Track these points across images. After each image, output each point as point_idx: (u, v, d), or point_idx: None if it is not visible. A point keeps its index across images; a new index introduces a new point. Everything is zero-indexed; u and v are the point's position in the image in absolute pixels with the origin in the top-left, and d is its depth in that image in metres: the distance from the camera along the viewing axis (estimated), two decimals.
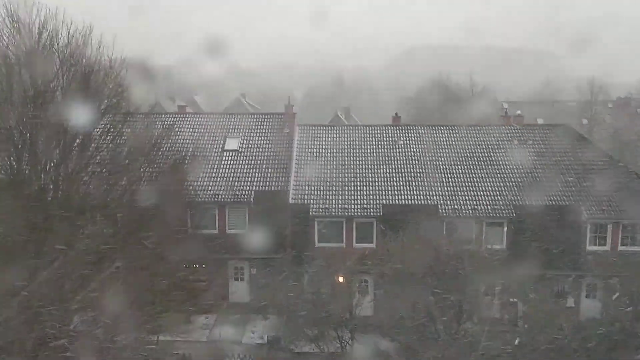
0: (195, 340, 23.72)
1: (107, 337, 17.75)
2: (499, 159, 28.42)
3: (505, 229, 25.68)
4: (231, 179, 27.21)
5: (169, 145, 23.45)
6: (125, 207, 18.80)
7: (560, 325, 20.77)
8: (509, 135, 29.98)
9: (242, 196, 26.39)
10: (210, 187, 26.73)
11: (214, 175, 27.32)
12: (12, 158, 16.98)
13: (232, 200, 26.31)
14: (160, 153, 21.32)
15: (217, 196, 26.38)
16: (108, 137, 18.58)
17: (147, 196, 19.61)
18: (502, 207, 25.85)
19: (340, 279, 23.87)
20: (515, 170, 27.66)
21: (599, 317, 23.98)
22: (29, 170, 16.81)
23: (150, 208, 19.03)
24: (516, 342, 20.04)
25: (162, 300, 19.26)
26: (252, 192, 26.56)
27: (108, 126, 18.73)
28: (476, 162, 28.12)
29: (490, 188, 26.81)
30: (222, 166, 27.81)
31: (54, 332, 16.01)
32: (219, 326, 25.30)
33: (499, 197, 26.32)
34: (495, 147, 29.10)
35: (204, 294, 24.14)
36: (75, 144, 17.58)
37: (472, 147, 29.05)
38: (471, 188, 26.78)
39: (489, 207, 25.88)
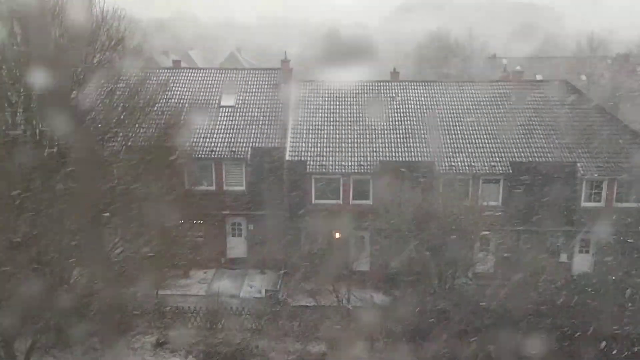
0: (193, 294, 24.12)
1: (107, 290, 18.01)
2: (497, 115, 28.29)
3: (501, 185, 25.80)
4: (228, 135, 27.05)
5: (164, 100, 23.22)
6: (121, 163, 18.73)
7: (553, 280, 21.14)
8: (507, 91, 29.74)
9: (239, 152, 26.29)
10: (206, 143, 26.59)
11: (210, 131, 27.14)
12: (7, 114, 16.79)
13: (228, 156, 26.22)
14: (155, 108, 21.13)
15: (213, 152, 26.29)
16: (102, 91, 18.35)
17: (144, 151, 19.55)
18: (499, 164, 25.90)
19: (337, 235, 24.12)
20: (513, 127, 27.57)
21: (591, 272, 24.45)
22: (24, 125, 16.66)
23: (147, 163, 18.99)
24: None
25: (161, 255, 19.45)
26: (249, 148, 26.46)
27: (102, 80, 18.49)
28: (474, 119, 27.98)
29: (487, 145, 26.78)
30: (218, 122, 27.60)
31: (53, 286, 16.23)
32: (217, 280, 25.67)
33: (496, 154, 26.33)
34: (494, 103, 28.92)
35: (202, 250, 24.40)
36: (70, 99, 17.36)
37: (470, 103, 28.85)
38: (468, 145, 26.74)
39: (486, 164, 25.92)
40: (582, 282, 22.05)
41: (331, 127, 27.52)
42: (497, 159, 26.11)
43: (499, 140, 26.94)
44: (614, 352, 18.66)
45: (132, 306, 20.47)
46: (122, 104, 18.93)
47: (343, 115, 28.13)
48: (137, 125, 19.73)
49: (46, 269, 15.96)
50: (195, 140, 26.24)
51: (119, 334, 20.14)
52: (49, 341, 18.51)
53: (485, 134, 27.27)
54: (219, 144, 26.64)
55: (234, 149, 26.41)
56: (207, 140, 26.75)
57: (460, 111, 28.42)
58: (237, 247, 27.30)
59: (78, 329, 18.87)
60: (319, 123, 27.71)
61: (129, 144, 19.64)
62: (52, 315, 16.74)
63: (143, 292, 20.70)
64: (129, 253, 18.21)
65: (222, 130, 27.24)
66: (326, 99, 28.98)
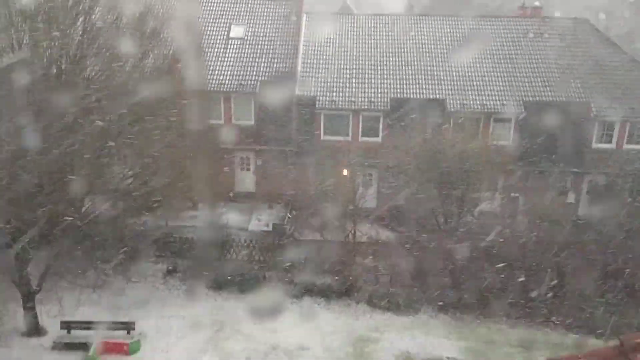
0: (202, 226, 24.45)
1: (118, 219, 18.36)
2: (513, 52, 27.55)
3: (513, 125, 25.50)
4: (237, 67, 26.61)
5: (171, 31, 22.69)
6: (129, 93, 18.56)
7: (559, 220, 21.26)
8: (525, 28, 28.81)
9: (248, 86, 25.96)
10: (215, 76, 26.22)
11: (219, 63, 26.69)
12: (13, 42, 16.52)
13: (237, 89, 25.91)
14: (162, 38, 20.71)
15: (222, 85, 25.97)
16: (108, 19, 17.94)
17: (151, 82, 19.32)
18: (512, 103, 25.47)
19: (345, 172, 24.16)
20: (528, 65, 26.93)
21: (598, 213, 24.47)
22: (31, 52, 16.41)
23: (154, 95, 18.81)
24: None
25: (170, 187, 19.63)
26: (258, 82, 26.09)
27: (107, 9, 18.05)
28: (489, 56, 27.30)
29: (500, 83, 26.25)
30: (227, 54, 27.09)
31: (66, 212, 16.51)
32: (226, 214, 25.96)
33: (509, 93, 25.85)
34: (510, 40, 28.11)
35: (210, 183, 24.55)
36: (77, 26, 17.02)
37: (486, 39, 28.03)
38: (481, 83, 26.22)
39: (498, 103, 25.51)
40: (585, 223, 22.23)
41: (342, 62, 26.97)
42: (510, 98, 25.66)
43: (512, 79, 26.39)
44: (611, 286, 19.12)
45: (142, 235, 20.92)
46: (128, 33, 18.54)
47: (355, 50, 27.49)
48: (144, 54, 19.41)
49: (59, 197, 16.16)
50: (203, 72, 25.85)
51: (130, 261, 20.66)
52: (63, 267, 19.02)
53: (499, 72, 26.68)
54: (227, 77, 26.27)
55: (242, 83, 26.06)
56: (216, 73, 26.36)
57: (474, 48, 27.63)
58: (245, 181, 27.47)
59: (90, 256, 19.40)
60: (330, 57, 27.14)
61: (136, 74, 19.41)
62: (65, 242, 17.13)
63: (153, 222, 21.12)
64: (139, 184, 18.38)
65: (231, 63, 26.79)
66: (338, 32, 28.25)
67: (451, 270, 20.37)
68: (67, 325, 17.87)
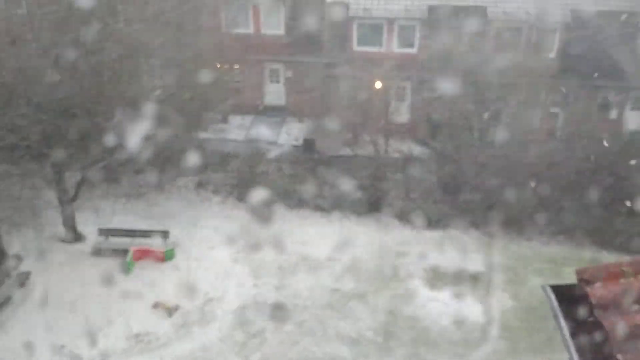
0: (232, 139, 24.42)
1: (148, 132, 18.29)
2: None
3: (558, 35, 23.97)
4: None
5: None
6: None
7: (600, 137, 20.45)
8: None
9: None
10: None
11: None
12: None
13: None
14: None
15: None
16: None
17: None
18: (557, 11, 23.80)
19: (378, 85, 23.40)
20: None
21: None
22: None
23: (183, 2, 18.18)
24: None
25: (199, 99, 19.39)
26: None
27: None
28: None
29: None
30: None
31: (96, 124, 16.53)
32: (255, 126, 25.78)
33: (557, 1, 24.08)
34: None
35: (239, 95, 24.22)
36: None
37: None
38: None
39: (543, 11, 23.85)
40: (629, 140, 21.36)
41: None
42: (557, 4, 23.93)
43: None
44: None
45: (173, 147, 20.93)
46: None
47: None
48: None
49: (91, 107, 16.12)
50: None
51: (163, 172, 20.87)
52: (98, 176, 19.34)
53: None
54: None
55: None
56: None
57: None
58: (275, 94, 26.94)
59: (123, 167, 19.61)
60: None
61: None
62: (100, 152, 17.28)
63: (183, 134, 21.06)
64: (168, 95, 18.15)
65: None
66: None
67: (484, 186, 19.98)
68: (105, 232, 18.44)
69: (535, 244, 19.63)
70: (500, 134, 21.14)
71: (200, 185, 21.97)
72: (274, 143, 24.56)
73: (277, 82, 26.81)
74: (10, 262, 17.08)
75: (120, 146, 17.86)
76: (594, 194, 19.28)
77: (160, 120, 18.51)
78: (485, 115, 20.47)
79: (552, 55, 23.81)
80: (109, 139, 17.09)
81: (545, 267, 18.44)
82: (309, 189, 21.44)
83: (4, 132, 14.91)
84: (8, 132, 14.95)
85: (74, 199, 18.35)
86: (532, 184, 19.67)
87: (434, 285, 17.55)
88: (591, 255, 18.94)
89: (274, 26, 25.32)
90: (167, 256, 17.97)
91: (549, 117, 24.19)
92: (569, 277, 15.01)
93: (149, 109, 17.78)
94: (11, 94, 15.22)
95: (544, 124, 23.51)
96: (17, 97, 15.24)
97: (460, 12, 23.43)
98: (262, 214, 20.65)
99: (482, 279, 17.82)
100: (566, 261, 18.63)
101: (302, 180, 21.92)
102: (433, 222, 20.17)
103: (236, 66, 24.16)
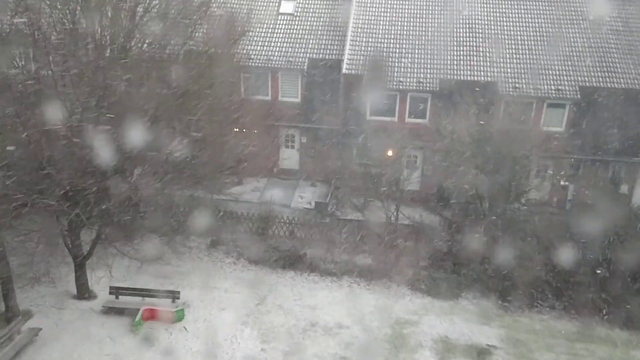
0: (246, 200, 24.83)
1: (166, 191, 18.78)
2: (570, 35, 26.40)
3: (567, 111, 24.61)
4: (285, 44, 26.53)
5: (219, 4, 22.72)
6: (179, 65, 18.82)
7: (610, 211, 20.55)
8: (584, 9, 27.53)
9: (296, 63, 25.88)
10: (263, 52, 26.23)
11: (267, 39, 26.66)
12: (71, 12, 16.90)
13: (285, 66, 25.88)
14: (210, 12, 20.83)
15: (270, 61, 25.97)
16: None
17: (201, 56, 19.51)
18: (567, 88, 24.54)
19: (390, 153, 23.95)
20: (587, 48, 25.78)
21: None
22: (85, 22, 16.75)
23: (204, 68, 19.02)
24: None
25: (216, 162, 19.93)
26: (306, 58, 25.98)
27: None
28: (544, 38, 26.27)
29: (556, 67, 25.25)
30: (276, 30, 27.01)
31: (116, 183, 17.02)
32: (269, 189, 26.26)
33: (565, 77, 24.87)
34: (568, 21, 26.92)
35: (255, 159, 24.83)
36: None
37: (542, 20, 26.92)
38: (535, 66, 25.28)
39: (552, 88, 24.62)
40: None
41: (391, 41, 26.49)
42: (566, 83, 24.72)
43: (569, 62, 25.33)
44: None
45: (188, 207, 21.36)
46: (175, 8, 18.70)
47: (405, 28, 26.92)
48: (194, 29, 19.57)
49: (110, 167, 16.64)
50: (252, 48, 25.93)
51: (176, 232, 21.18)
52: (112, 235, 19.66)
53: (556, 54, 25.63)
54: (276, 53, 26.24)
55: (291, 59, 25.99)
56: (264, 48, 26.36)
57: (530, 28, 26.66)
58: (289, 158, 27.60)
59: (138, 225, 19.97)
60: (379, 36, 26.67)
61: (187, 48, 19.63)
62: (115, 211, 17.67)
63: (198, 195, 21.53)
64: (186, 157, 18.70)
65: (280, 39, 26.72)
66: (388, 10, 27.67)
67: (495, 257, 20.01)
68: (116, 291, 18.56)
69: (546, 318, 19.37)
70: (511, 206, 21.37)
71: (212, 245, 22.20)
72: (287, 206, 24.93)
73: (292, 147, 27.52)
74: (21, 318, 17.18)
75: (135, 205, 18.37)
76: (607, 269, 19.27)
77: (177, 181, 19.09)
78: (495, 187, 20.70)
79: (562, 129, 24.36)
80: (125, 198, 17.61)
81: (556, 343, 18.14)
82: (319, 253, 21.59)
83: (24, 191, 15.37)
84: (28, 191, 15.41)
85: (87, 256, 18.62)
86: (544, 256, 19.71)
87: (443, 356, 17.30)
88: (604, 332, 18.65)
89: (292, 94, 26.28)
90: (176, 317, 17.97)
91: (559, 190, 24.44)
92: (581, 354, 15.00)
93: (167, 170, 18.42)
94: (34, 154, 15.80)
95: (554, 196, 23.72)
96: (40, 157, 15.80)
97: (471, 86, 24.29)
98: (273, 277, 20.75)
99: (492, 353, 17.55)
100: (578, 337, 18.38)
101: (313, 244, 22.09)
102: (443, 292, 20.08)
103: (254, 131, 24.91)
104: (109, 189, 17.03)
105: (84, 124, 16.21)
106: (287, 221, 22.85)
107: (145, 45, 18.03)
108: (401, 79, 25.17)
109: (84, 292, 18.85)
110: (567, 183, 24.08)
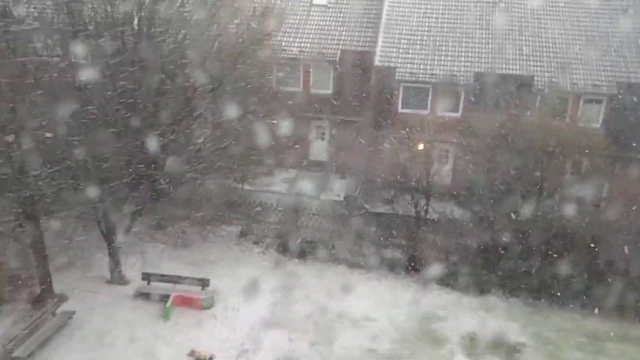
0: (276, 191, 25.02)
1: (197, 180, 19.08)
2: (609, 29, 25.70)
3: (604, 106, 24.03)
4: (318, 36, 26.52)
5: None
6: (211, 58, 19.02)
7: None
8: (623, 2, 26.71)
9: (328, 54, 25.86)
10: (296, 43, 26.28)
11: (300, 31, 26.69)
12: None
13: (317, 58, 25.88)
14: (245, 3, 20.95)
15: (302, 53, 26.00)
16: None
17: (233, 48, 19.67)
18: (604, 83, 23.95)
19: (421, 146, 23.78)
20: (625, 43, 25.09)
21: None
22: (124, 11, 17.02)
23: (236, 59, 19.18)
24: None
25: (247, 153, 20.11)
26: (339, 50, 25.93)
27: None
28: (582, 32, 25.65)
29: (594, 61, 24.66)
30: (309, 22, 27.01)
31: (148, 171, 17.35)
32: (299, 181, 26.36)
33: (602, 72, 24.26)
34: (607, 15, 26.21)
35: (285, 150, 24.94)
36: None
37: (580, 13, 26.28)
38: (573, 60, 24.73)
39: (589, 82, 24.06)
40: None
41: (425, 33, 26.20)
42: (603, 78, 24.11)
43: (607, 57, 24.70)
44: None
45: (219, 197, 21.64)
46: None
47: (439, 21, 26.60)
48: (228, 21, 19.72)
49: (145, 158, 16.97)
50: (284, 39, 25.99)
51: (207, 221, 21.49)
52: (145, 222, 20.11)
53: (594, 49, 25.02)
54: (308, 45, 26.26)
55: (323, 51, 25.98)
56: (297, 40, 26.41)
57: (569, 21, 26.05)
58: (319, 150, 27.66)
59: (170, 213, 20.35)
60: (413, 27, 26.41)
61: (220, 39, 19.81)
62: (148, 199, 18.06)
63: (230, 186, 21.79)
64: (218, 148, 18.92)
65: (312, 31, 26.72)
66: (422, 1, 27.34)
67: (526, 254, 19.74)
68: (148, 277, 18.95)
69: (577, 316, 19.08)
70: (544, 202, 21.01)
71: (242, 235, 22.45)
72: (316, 197, 25.00)
73: (322, 139, 27.55)
74: (56, 301, 17.69)
75: (168, 194, 18.71)
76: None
77: (209, 171, 19.36)
78: (527, 183, 20.37)
79: (598, 125, 23.81)
80: (159, 187, 17.95)
81: (586, 342, 17.86)
82: (348, 245, 21.63)
83: (63, 178, 15.80)
84: (68, 179, 15.84)
85: (121, 242, 19.05)
86: (576, 254, 19.35)
87: (471, 352, 17.20)
88: (636, 333, 18.26)
89: (323, 86, 26.28)
90: (206, 304, 18.27)
91: (594, 186, 23.88)
92: (612, 355, 14.73)
93: (199, 160, 18.69)
94: (74, 142, 16.22)
95: (588, 193, 23.19)
96: (78, 145, 16.21)
97: (506, 79, 23.90)
98: (301, 268, 20.90)
99: (521, 350, 17.37)
100: (610, 337, 18.04)
101: (342, 236, 22.14)
102: (472, 287, 19.93)
103: (284, 122, 24.97)
104: (143, 177, 17.40)
105: (121, 113, 16.56)
106: (316, 213, 22.93)
107: (180, 35, 18.24)
108: (434, 72, 24.92)
109: (117, 277, 19.30)
110: (601, 180, 23.53)
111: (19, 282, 17.14)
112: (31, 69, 16.09)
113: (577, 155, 22.23)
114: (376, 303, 19.07)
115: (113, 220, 18.53)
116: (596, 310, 18.89)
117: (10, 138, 14.80)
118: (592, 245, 19.20)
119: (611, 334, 18.12)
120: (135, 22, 17.21)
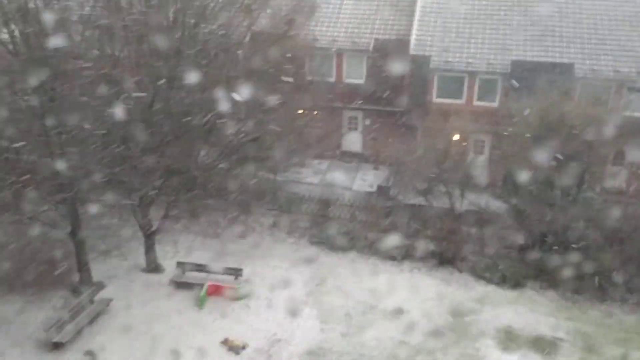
0: (308, 182, 24.99)
1: (230, 170, 19.20)
2: None
3: None
4: (351, 24, 26.23)
5: None
6: (246, 48, 19.02)
7: None
8: None
9: (361, 44, 25.57)
10: (329, 33, 26.05)
11: (333, 20, 26.44)
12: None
13: (350, 47, 25.62)
14: None
15: (335, 42, 25.77)
16: None
17: (267, 38, 19.63)
18: None
19: (456, 137, 23.34)
20: None
21: None
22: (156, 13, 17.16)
23: (270, 49, 19.14)
24: None
25: (280, 142, 20.10)
26: (372, 39, 25.60)
27: None
28: (626, 18, 24.66)
29: (637, 47, 23.70)
30: (342, 11, 26.73)
31: (181, 163, 17.51)
32: (331, 171, 26.26)
33: None
34: None
35: (318, 140, 24.85)
36: None
37: None
38: (616, 46, 23.82)
39: (634, 70, 23.13)
40: None
41: (461, 20, 25.63)
42: None
43: None
44: None
45: (252, 188, 21.70)
46: None
47: (475, 7, 25.98)
48: (260, 10, 19.65)
49: (179, 148, 17.13)
50: (317, 28, 25.80)
51: (240, 211, 21.63)
52: (180, 212, 20.36)
53: (636, 34, 24.04)
54: (341, 34, 26.01)
55: (356, 40, 25.70)
56: (330, 29, 26.18)
57: (609, 6, 25.08)
58: (352, 140, 27.46)
59: (204, 203, 20.54)
60: (449, 15, 25.86)
61: (253, 29, 19.79)
62: (182, 189, 18.24)
63: (263, 176, 21.83)
64: (251, 139, 18.95)
65: (346, 20, 26.44)
66: None
67: (564, 247, 19.19)
68: (182, 266, 19.22)
69: (617, 312, 18.50)
70: (584, 194, 20.39)
71: (274, 225, 22.51)
72: (348, 188, 24.87)
73: (355, 129, 27.34)
74: (95, 288, 18.12)
75: (202, 184, 18.86)
76: None
77: (242, 161, 19.45)
78: (568, 174, 19.75)
79: None
80: (193, 177, 18.11)
81: (627, 338, 17.30)
82: (380, 236, 21.44)
83: (100, 168, 16.08)
84: (104, 168, 16.12)
85: (156, 232, 19.34)
86: (617, 248, 18.73)
87: (506, 347, 16.87)
88: None
89: (356, 76, 26.03)
90: (239, 294, 18.42)
91: (635, 178, 23.07)
92: None
93: (232, 150, 18.78)
94: (109, 133, 16.49)
95: (631, 185, 22.44)
96: (116, 135, 16.48)
97: (545, 67, 23.20)
98: (334, 259, 20.83)
99: (558, 345, 16.95)
100: None
101: (374, 227, 21.96)
102: (508, 281, 19.53)
103: (316, 112, 24.90)
104: (178, 168, 17.58)
105: (157, 105, 16.74)
106: (349, 204, 22.81)
107: (214, 26, 18.27)
108: (470, 60, 24.38)
109: (152, 266, 19.63)
110: None
111: (59, 269, 17.59)
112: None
113: (620, 145, 21.44)
114: (409, 295, 18.87)
115: (148, 210, 18.82)
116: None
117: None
118: (633, 238, 18.53)
119: None
120: (171, 12, 17.32)
